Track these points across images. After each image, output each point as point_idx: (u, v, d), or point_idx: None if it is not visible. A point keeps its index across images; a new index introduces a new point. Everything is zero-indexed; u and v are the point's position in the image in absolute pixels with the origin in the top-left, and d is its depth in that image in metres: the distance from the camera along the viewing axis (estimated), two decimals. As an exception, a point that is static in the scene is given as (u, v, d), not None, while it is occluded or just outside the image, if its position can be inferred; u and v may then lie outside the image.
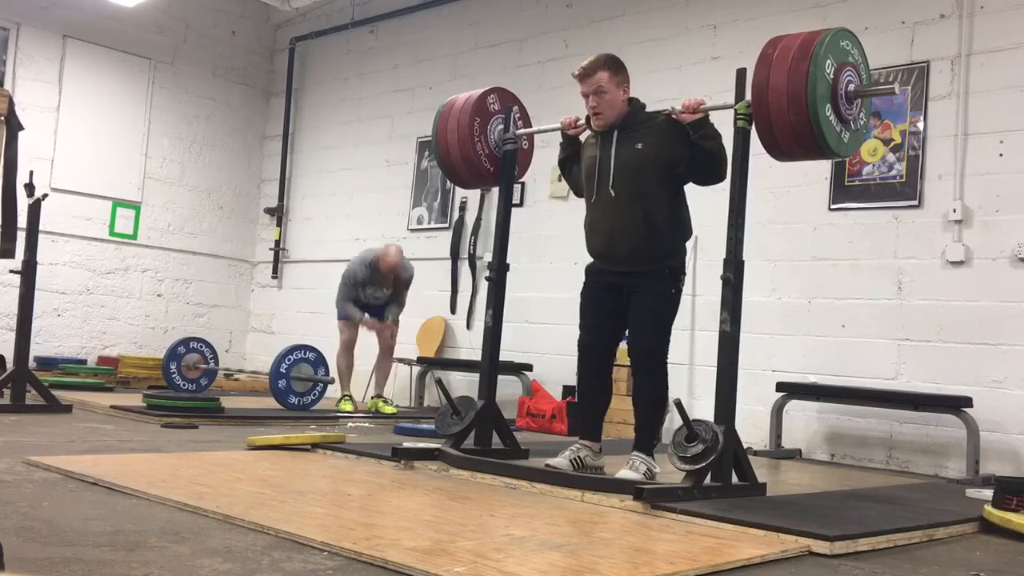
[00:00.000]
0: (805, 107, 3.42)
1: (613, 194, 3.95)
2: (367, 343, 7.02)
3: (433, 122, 4.70)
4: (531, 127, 4.78)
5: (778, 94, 3.47)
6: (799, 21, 6.27)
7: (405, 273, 6.83)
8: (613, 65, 3.98)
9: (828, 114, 3.49)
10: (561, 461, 3.92)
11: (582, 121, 4.19)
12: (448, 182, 8.16)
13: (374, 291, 6.76)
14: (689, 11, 6.86)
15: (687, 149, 3.89)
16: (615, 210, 3.95)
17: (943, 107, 5.62)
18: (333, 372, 6.82)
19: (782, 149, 3.60)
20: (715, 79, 6.38)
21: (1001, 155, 5.41)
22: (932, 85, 5.67)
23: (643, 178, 3.91)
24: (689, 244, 4.17)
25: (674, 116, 3.93)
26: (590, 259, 4.19)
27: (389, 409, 6.80)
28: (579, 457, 3.95)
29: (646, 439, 3.95)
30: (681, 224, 4.04)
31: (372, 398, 6.95)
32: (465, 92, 4.71)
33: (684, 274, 4.05)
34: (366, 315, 6.78)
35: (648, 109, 4.12)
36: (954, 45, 5.62)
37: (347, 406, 6.75)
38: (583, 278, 4.21)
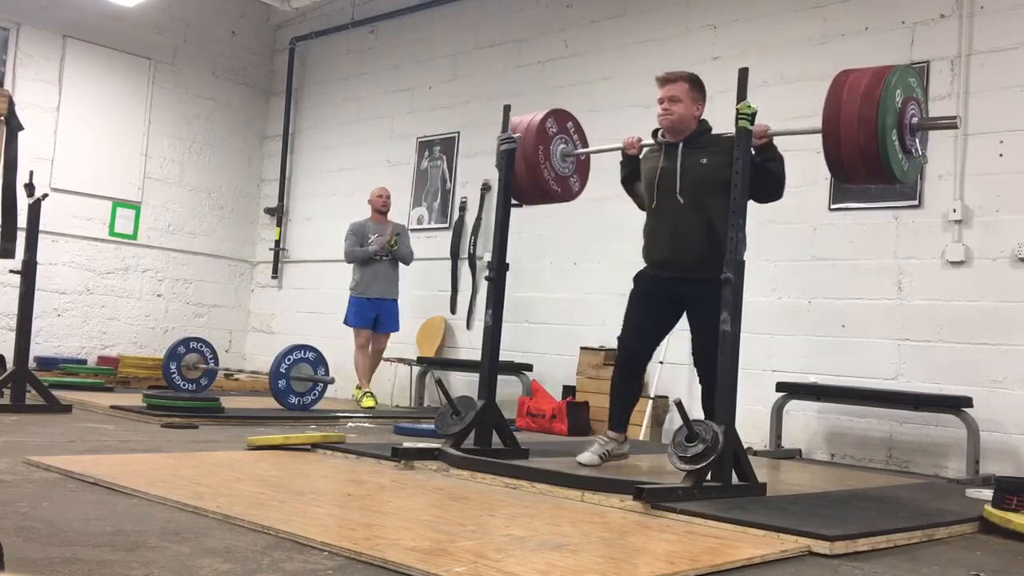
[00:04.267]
0: (874, 130, 3.57)
1: (682, 201, 4.13)
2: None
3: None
4: (587, 140, 4.90)
5: (850, 115, 3.61)
6: (799, 21, 6.29)
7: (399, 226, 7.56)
8: (695, 82, 4.24)
9: (893, 139, 3.63)
10: (590, 457, 4.21)
11: (646, 140, 4.39)
12: (448, 182, 8.20)
13: (377, 235, 7.28)
14: (689, 11, 6.86)
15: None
16: (680, 217, 4.16)
17: (943, 107, 5.61)
18: (333, 372, 6.83)
19: (846, 168, 3.73)
20: (715, 79, 6.33)
21: (1001, 155, 5.41)
22: (932, 85, 5.67)
23: (707, 190, 4.11)
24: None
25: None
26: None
27: (369, 402, 7.23)
28: (607, 451, 4.27)
29: None
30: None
31: (354, 390, 7.45)
32: (522, 117, 4.73)
33: None
34: (374, 236, 7.30)
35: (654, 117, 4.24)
36: (954, 45, 5.62)
37: (369, 402, 7.19)
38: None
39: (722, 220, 4.03)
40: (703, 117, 4.28)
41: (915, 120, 3.72)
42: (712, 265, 4.03)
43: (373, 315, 7.29)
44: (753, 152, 4.00)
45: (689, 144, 4.19)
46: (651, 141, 4.38)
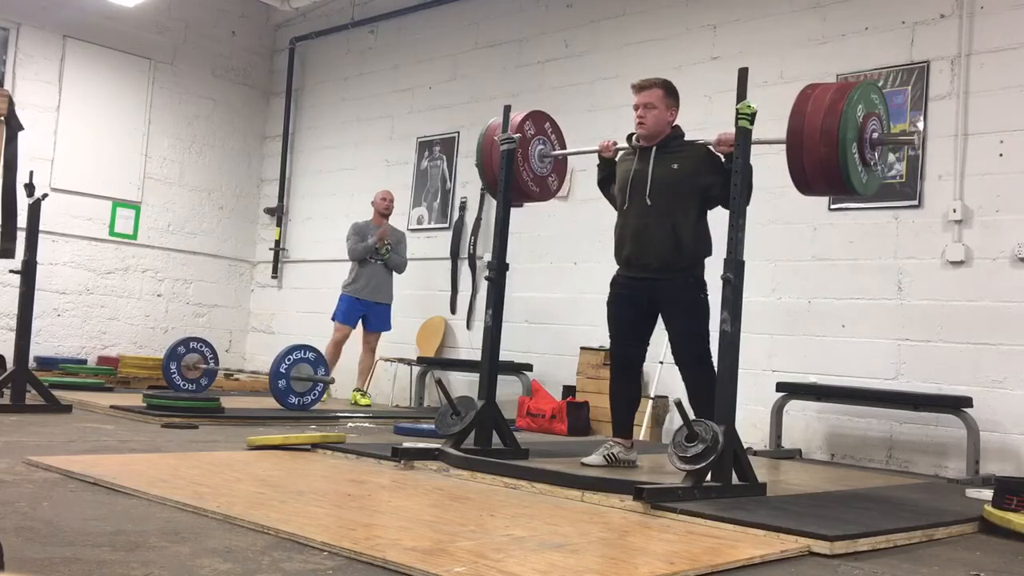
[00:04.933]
0: (836, 141, 3.65)
1: (649, 203, 4.21)
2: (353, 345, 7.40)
3: (477, 152, 4.84)
4: (564, 140, 4.95)
5: (813, 127, 3.70)
6: (799, 21, 6.29)
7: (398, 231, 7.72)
8: (669, 88, 4.32)
9: (853, 152, 3.70)
10: (596, 459, 4.28)
11: (620, 143, 4.47)
12: (448, 182, 8.21)
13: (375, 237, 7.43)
14: (689, 11, 6.86)
15: (720, 177, 4.11)
16: (647, 219, 4.23)
17: (943, 107, 5.62)
18: (333, 372, 6.85)
19: (808, 178, 3.79)
20: (715, 79, 6.39)
21: (1001, 155, 5.41)
22: (932, 85, 5.67)
23: (675, 194, 4.20)
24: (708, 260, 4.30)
25: (711, 147, 4.16)
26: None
27: (365, 401, 7.35)
28: (612, 453, 4.31)
29: None
30: (702, 241, 4.28)
31: (353, 391, 7.48)
32: (499, 118, 4.77)
33: (705, 283, 4.30)
34: (373, 238, 7.42)
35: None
36: (954, 45, 5.62)
37: (327, 396, 7.37)
38: (607, 288, 4.46)
39: (686, 224, 4.19)
40: (676, 123, 4.36)
41: (875, 135, 3.83)
42: (676, 267, 4.21)
43: (360, 315, 7.44)
44: (723, 159, 4.10)
45: (662, 149, 4.28)
46: (626, 145, 4.46)
